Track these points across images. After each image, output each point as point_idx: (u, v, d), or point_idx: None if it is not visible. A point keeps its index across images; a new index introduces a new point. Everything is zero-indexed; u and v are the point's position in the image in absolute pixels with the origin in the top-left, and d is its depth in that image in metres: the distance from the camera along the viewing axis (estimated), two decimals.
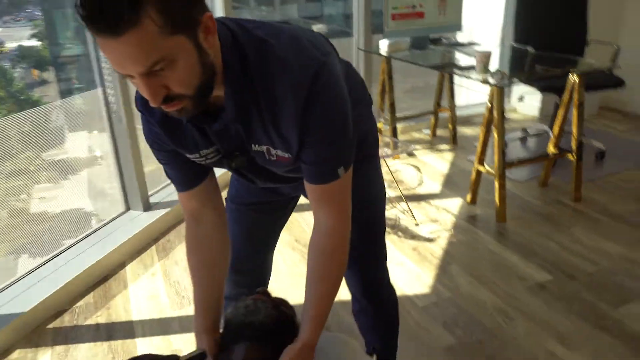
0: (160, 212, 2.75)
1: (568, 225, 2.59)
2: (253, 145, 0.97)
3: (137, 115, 2.67)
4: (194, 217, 1.13)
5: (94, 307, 2.16)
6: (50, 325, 2.05)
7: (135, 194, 2.74)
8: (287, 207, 1.40)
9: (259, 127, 0.92)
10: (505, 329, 1.90)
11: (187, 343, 1.92)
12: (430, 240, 2.52)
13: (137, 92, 0.94)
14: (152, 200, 2.85)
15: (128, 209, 2.79)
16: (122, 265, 2.45)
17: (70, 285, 2.21)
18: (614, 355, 1.75)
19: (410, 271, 2.27)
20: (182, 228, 2.78)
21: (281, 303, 1.07)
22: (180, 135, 0.98)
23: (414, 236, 2.56)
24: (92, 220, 3.00)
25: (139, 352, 1.88)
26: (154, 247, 2.60)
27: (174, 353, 1.01)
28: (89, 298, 2.22)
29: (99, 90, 2.57)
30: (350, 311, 1.49)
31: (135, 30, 0.70)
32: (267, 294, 1.06)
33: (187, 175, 1.07)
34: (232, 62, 0.86)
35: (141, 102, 0.97)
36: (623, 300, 2.01)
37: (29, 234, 2.78)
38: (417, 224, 2.66)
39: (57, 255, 2.39)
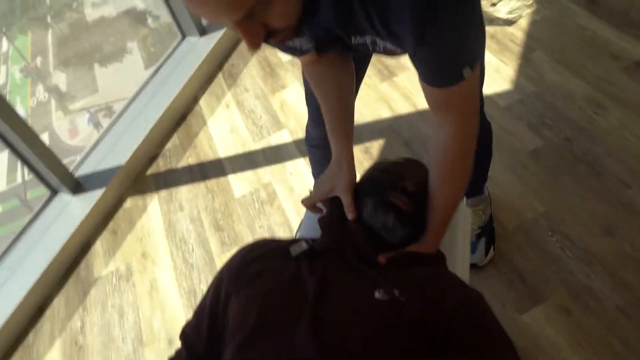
0: (217, 35, 2.63)
1: None
2: (353, 38, 0.83)
3: None
4: (312, 62, 1.05)
5: (182, 148, 2.27)
6: (149, 172, 2.22)
7: (187, 20, 2.61)
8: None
9: (363, 21, 0.76)
10: (596, 122, 1.80)
11: (274, 174, 2.03)
12: (510, 22, 2.27)
13: None
14: (205, 22, 2.72)
15: (184, 36, 2.69)
16: (195, 99, 2.48)
17: (155, 129, 2.30)
18: None
19: (489, 65, 2.11)
20: (243, 47, 2.68)
21: (422, 197, 1.01)
22: None
23: (490, 20, 2.31)
24: (148, 19, 2.95)
25: (234, 190, 2.02)
26: (220, 75, 2.57)
27: (290, 238, 1.02)
28: (175, 140, 2.32)
29: None
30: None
31: None
32: (414, 195, 0.99)
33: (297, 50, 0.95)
34: None
35: None
36: None
37: (92, 42, 2.86)
38: (493, 4, 2.37)
39: (132, 101, 2.44)
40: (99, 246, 1.99)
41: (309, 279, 0.83)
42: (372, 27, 0.77)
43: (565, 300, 1.46)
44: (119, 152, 2.23)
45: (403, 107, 2.10)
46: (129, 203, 2.12)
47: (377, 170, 1.06)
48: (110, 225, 2.05)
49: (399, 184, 0.98)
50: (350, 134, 1.08)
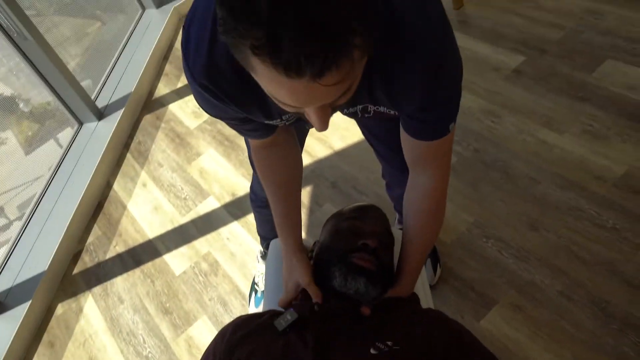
0: (117, 116, 2.57)
1: None
2: (346, 110, 0.86)
3: (39, 24, 2.29)
4: (263, 146, 1.04)
5: (106, 239, 2.17)
6: (75, 271, 2.09)
7: (81, 108, 2.53)
8: None
9: (363, 92, 0.78)
10: (496, 130, 1.98)
11: (211, 243, 1.99)
12: None
13: (198, 62, 0.73)
14: (99, 104, 2.65)
15: (81, 123, 2.60)
16: (108, 185, 2.39)
17: (72, 225, 2.18)
18: (600, 125, 1.87)
19: None
20: (146, 123, 2.64)
21: (386, 246, 1.05)
22: (258, 105, 0.81)
23: None
24: (19, 104, 2.84)
25: (173, 269, 1.96)
26: (129, 155, 2.50)
27: (268, 312, 1.00)
28: (96, 231, 2.21)
29: None
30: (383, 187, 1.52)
31: (342, 66, 0.53)
32: (377, 251, 1.01)
33: (262, 132, 0.96)
34: None
35: (204, 74, 0.74)
36: (596, 62, 2.07)
37: None
38: None
39: (39, 202, 2.30)
40: None
41: (303, 352, 0.82)
42: (370, 97, 0.80)
43: (513, 298, 1.56)
44: (37, 258, 2.08)
45: (320, 151, 2.17)
46: (60, 309, 1.98)
47: (335, 233, 1.07)
48: (45, 337, 1.89)
49: (360, 244, 1.00)
50: (299, 222, 1.10)
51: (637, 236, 1.58)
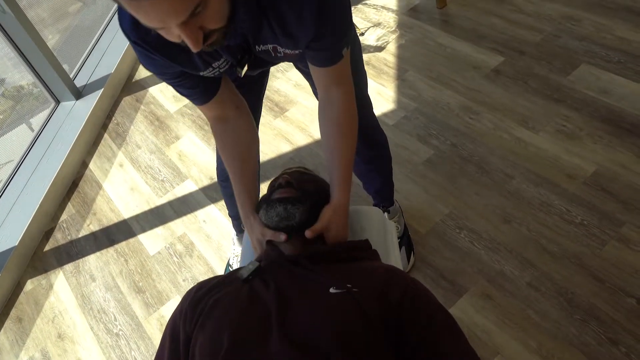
0: (95, 96, 2.54)
1: None
2: (257, 46, 0.96)
3: (18, 1, 2.25)
4: (218, 119, 1.16)
5: (80, 217, 2.14)
6: (47, 248, 2.06)
7: (59, 86, 2.49)
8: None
9: (268, 31, 0.92)
10: (473, 126, 2.03)
11: (187, 225, 1.99)
12: (380, 49, 2.48)
13: (125, 21, 0.87)
14: (77, 84, 2.61)
15: (58, 102, 2.56)
16: (84, 164, 2.35)
17: (45, 203, 2.15)
18: (573, 126, 1.93)
19: (371, 89, 2.28)
20: (125, 105, 2.62)
21: (304, 180, 1.12)
22: (185, 56, 0.93)
23: (362, 49, 2.50)
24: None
25: (148, 249, 1.95)
26: (106, 136, 2.47)
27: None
28: (70, 209, 2.18)
29: None
30: None
31: None
32: (291, 183, 1.09)
33: (202, 89, 1.07)
34: None
35: (134, 32, 0.88)
36: (572, 66, 2.13)
37: None
38: (362, 34, 2.58)
39: (11, 177, 2.26)
40: (3, 339, 1.79)
41: (266, 293, 0.87)
42: (275, 38, 0.93)
43: (484, 287, 1.60)
44: (7, 233, 2.04)
45: (300, 139, 2.19)
46: (29, 285, 1.94)
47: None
48: (13, 312, 1.86)
49: (274, 186, 1.11)
50: (254, 189, 1.18)
51: (604, 232, 1.63)
